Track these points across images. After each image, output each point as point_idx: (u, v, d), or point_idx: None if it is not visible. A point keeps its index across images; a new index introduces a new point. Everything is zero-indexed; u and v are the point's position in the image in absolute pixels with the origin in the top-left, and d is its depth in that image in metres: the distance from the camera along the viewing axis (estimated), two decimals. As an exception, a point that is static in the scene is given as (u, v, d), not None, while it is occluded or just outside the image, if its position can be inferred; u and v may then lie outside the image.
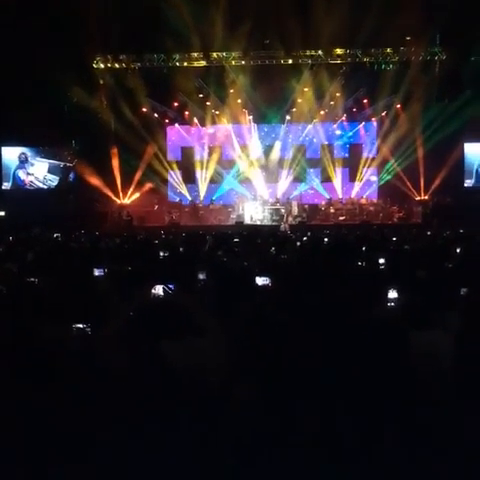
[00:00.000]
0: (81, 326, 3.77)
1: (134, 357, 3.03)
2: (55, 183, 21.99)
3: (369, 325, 3.58)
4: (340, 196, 23.06)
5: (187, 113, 22.65)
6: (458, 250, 8.53)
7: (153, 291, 4.39)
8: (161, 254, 8.38)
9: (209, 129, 23.20)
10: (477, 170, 21.54)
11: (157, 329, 3.39)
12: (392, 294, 4.33)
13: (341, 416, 2.66)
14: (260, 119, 22.80)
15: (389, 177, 22.09)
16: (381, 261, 6.94)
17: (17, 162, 21.82)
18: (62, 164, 21.89)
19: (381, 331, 3.36)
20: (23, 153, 21.78)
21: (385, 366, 2.97)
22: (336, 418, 2.65)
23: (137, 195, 22.25)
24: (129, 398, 2.68)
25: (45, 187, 21.96)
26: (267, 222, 21.09)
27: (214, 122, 22.90)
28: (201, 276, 5.27)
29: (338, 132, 23.46)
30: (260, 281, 4.97)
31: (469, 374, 2.90)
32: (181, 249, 9.39)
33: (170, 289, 4.39)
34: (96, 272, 5.98)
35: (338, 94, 21.67)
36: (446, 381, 2.82)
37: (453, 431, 2.54)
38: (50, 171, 21.96)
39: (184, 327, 3.39)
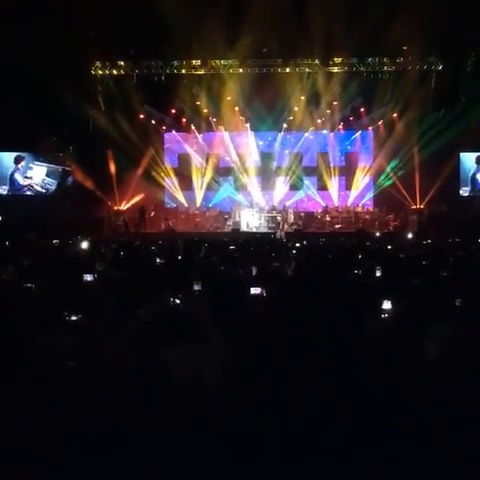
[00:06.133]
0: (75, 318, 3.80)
1: (136, 360, 3.05)
2: (54, 187, 21.96)
3: (365, 335, 3.60)
4: (336, 204, 23.18)
5: (184, 120, 22.68)
6: (453, 259, 8.53)
7: (163, 298, 4.39)
8: (158, 261, 8.37)
9: (206, 136, 23.29)
10: (472, 177, 21.58)
11: (165, 335, 3.39)
12: (387, 304, 4.34)
13: (337, 419, 2.67)
14: (257, 127, 22.85)
15: (385, 185, 22.17)
16: (377, 269, 6.94)
17: (13, 165, 21.74)
18: (60, 168, 21.83)
19: (376, 340, 3.38)
20: (19, 156, 21.70)
21: (382, 376, 2.99)
22: (332, 421, 2.67)
23: (134, 201, 22.22)
24: (128, 402, 2.69)
25: (44, 191, 21.92)
26: (263, 229, 21.11)
27: (211, 129, 22.99)
28: (196, 287, 5.25)
29: (334, 140, 23.56)
30: (255, 290, 4.96)
31: (464, 384, 2.92)
32: (179, 257, 9.36)
33: (179, 297, 4.41)
34: (88, 277, 5.95)
35: (335, 103, 21.82)
36: (439, 392, 2.84)
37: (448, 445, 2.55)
38: (48, 175, 21.89)
39: (188, 333, 3.41)
